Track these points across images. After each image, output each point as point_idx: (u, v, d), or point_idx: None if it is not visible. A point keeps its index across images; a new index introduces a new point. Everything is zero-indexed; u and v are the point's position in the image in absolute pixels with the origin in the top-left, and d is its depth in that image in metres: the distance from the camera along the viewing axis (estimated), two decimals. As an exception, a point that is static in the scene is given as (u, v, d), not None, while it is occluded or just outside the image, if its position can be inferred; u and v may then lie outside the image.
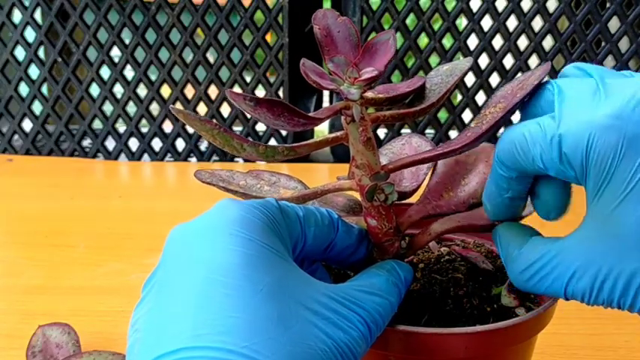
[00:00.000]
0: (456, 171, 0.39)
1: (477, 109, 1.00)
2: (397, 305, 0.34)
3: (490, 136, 0.34)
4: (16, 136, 1.06)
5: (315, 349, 0.28)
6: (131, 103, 1.03)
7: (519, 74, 0.97)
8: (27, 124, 1.05)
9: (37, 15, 1.03)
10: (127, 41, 1.00)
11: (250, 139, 1.01)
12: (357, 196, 0.39)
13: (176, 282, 0.29)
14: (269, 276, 0.29)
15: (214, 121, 0.33)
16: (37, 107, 1.04)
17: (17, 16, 1.01)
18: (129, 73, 1.01)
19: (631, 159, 0.29)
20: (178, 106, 1.02)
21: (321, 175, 0.99)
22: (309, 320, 0.29)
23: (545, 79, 0.34)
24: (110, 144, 1.05)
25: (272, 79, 1.01)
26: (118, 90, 1.02)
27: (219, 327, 0.27)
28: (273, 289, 0.29)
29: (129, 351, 0.29)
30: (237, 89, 1.00)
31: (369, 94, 0.35)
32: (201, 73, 1.00)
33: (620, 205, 0.29)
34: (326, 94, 1.17)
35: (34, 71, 1.03)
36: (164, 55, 1.00)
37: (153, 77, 1.01)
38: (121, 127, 1.04)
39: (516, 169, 0.33)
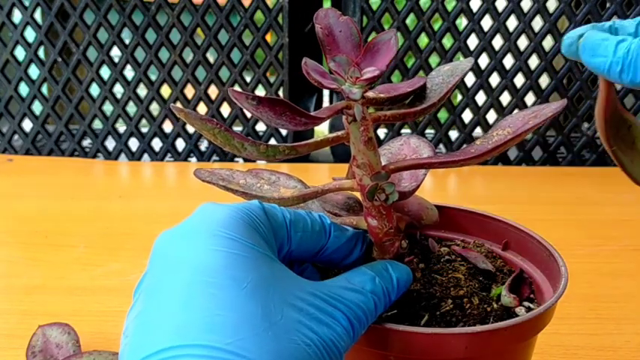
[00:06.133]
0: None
1: (477, 109, 1.00)
2: (385, 305, 0.34)
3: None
4: (16, 136, 1.06)
5: (300, 343, 0.29)
6: (131, 103, 1.03)
7: (519, 75, 0.98)
8: (27, 124, 1.05)
9: (37, 15, 1.03)
10: (127, 41, 1.00)
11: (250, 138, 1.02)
12: (357, 195, 0.39)
13: (162, 285, 0.29)
14: (253, 273, 0.29)
15: (215, 120, 0.33)
16: (37, 107, 1.04)
17: (17, 16, 1.01)
18: (129, 73, 1.01)
19: None
20: (178, 106, 1.02)
21: (321, 174, 0.99)
22: (293, 316, 0.29)
23: None
24: (110, 144, 1.05)
25: (272, 79, 1.01)
26: (118, 90, 1.02)
27: (204, 325, 0.27)
28: (256, 286, 0.29)
29: (120, 356, 0.29)
30: (237, 89, 1.00)
31: (370, 94, 0.35)
32: (201, 73, 1.00)
33: None
34: (326, 93, 1.17)
35: (34, 71, 1.03)
36: (164, 55, 1.00)
37: (153, 77, 1.01)
38: (121, 127, 1.04)
39: None
